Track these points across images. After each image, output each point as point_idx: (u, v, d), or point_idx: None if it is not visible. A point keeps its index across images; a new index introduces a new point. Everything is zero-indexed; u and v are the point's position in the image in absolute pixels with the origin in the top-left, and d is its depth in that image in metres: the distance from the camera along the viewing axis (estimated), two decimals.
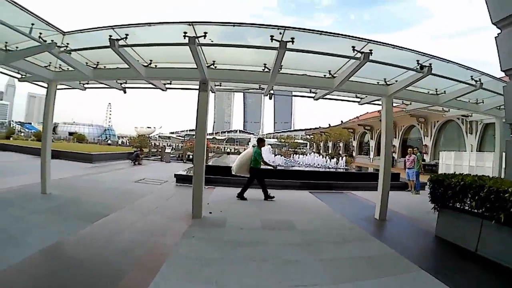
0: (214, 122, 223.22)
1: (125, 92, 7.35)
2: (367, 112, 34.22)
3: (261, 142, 7.55)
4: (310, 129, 63.87)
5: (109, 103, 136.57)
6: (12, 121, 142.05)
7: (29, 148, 16.88)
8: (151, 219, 4.96)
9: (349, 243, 4.27)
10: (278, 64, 4.79)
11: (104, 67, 5.79)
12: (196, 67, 4.97)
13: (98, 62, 5.68)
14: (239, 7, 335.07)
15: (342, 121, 36.48)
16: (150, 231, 4.32)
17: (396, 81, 5.84)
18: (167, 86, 6.80)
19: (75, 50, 4.86)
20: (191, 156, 18.76)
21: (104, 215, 4.88)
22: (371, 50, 4.53)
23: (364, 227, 5.20)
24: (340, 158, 15.18)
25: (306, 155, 17.16)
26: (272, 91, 7.02)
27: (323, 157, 15.54)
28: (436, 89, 6.54)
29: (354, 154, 32.54)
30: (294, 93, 7.96)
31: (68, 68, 5.93)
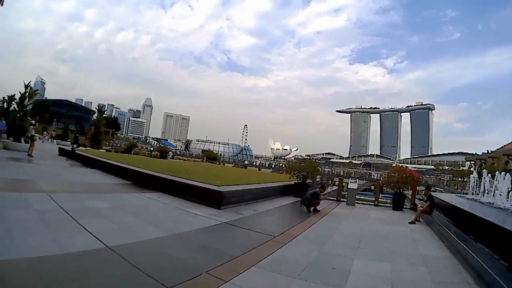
0: (351, 146, 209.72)
1: None
2: None
3: None
4: (480, 154, 48.69)
5: (245, 125, 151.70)
6: (149, 136, 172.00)
7: (126, 169, 10.80)
8: None
9: None
10: None
11: None
12: None
13: None
14: (362, 30, 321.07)
15: None
16: None
17: None
18: None
19: None
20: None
21: None
22: None
23: None
24: None
25: None
26: None
27: None
28: None
29: None
30: None
31: None
